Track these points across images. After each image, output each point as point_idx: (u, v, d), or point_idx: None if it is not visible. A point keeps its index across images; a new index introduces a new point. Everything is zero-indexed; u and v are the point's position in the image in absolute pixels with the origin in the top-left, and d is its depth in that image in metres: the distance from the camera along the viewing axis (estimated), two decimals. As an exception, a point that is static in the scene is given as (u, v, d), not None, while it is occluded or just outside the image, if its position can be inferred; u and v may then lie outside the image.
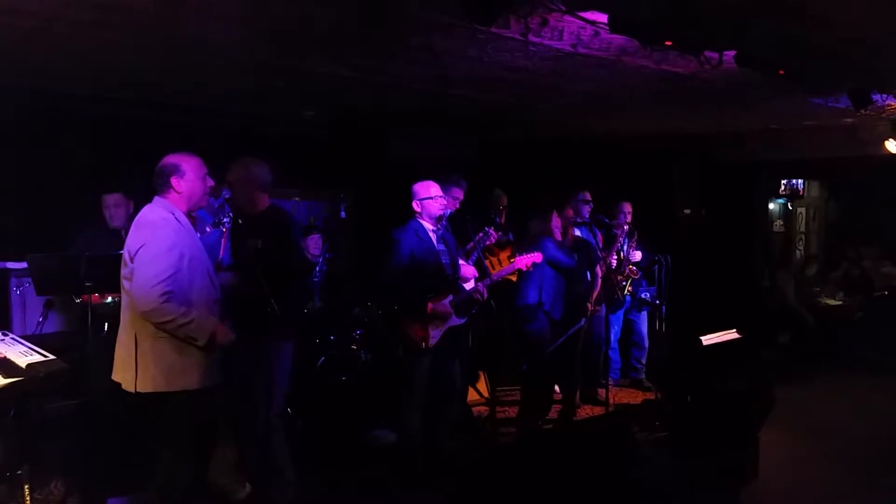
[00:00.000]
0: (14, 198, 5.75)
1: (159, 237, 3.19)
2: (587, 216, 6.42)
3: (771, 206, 10.58)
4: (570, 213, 5.95)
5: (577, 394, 6.23)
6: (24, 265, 4.91)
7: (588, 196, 6.55)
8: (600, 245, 6.51)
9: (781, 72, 4.29)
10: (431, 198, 4.53)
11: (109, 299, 4.75)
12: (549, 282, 5.41)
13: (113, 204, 5.12)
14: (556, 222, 5.55)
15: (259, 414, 3.93)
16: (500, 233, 5.84)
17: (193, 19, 3.83)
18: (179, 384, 3.22)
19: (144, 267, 3.14)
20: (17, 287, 5.35)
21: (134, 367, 3.22)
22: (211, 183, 3.50)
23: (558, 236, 5.58)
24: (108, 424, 4.44)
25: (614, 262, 6.53)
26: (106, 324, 4.73)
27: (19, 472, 3.50)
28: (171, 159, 3.38)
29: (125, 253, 3.28)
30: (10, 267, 5.32)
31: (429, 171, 4.76)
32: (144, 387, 3.21)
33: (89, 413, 4.59)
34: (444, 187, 4.96)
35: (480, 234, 5.17)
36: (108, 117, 6.16)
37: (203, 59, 4.68)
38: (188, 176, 3.37)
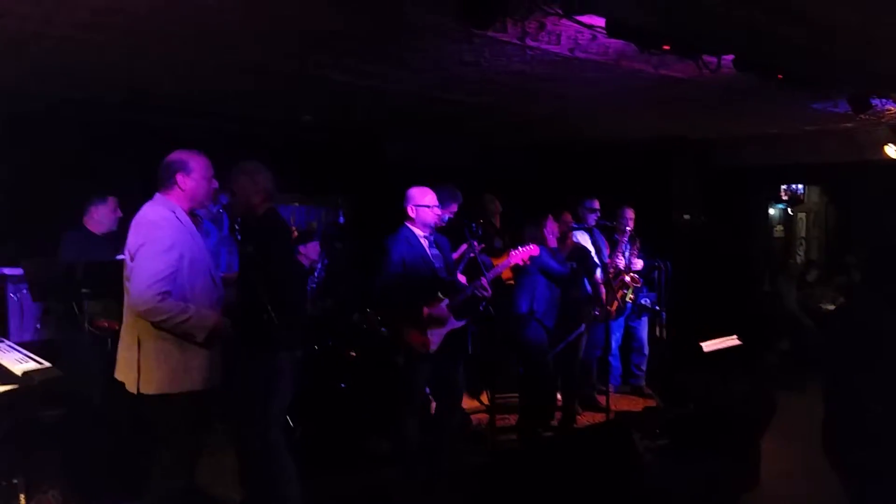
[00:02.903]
0: (10, 203, 5.74)
1: (159, 237, 3.14)
2: (592, 223, 6.38)
3: (771, 211, 10.56)
4: (569, 217, 5.91)
5: (576, 400, 6.21)
6: (20, 271, 4.88)
7: (596, 204, 6.48)
8: (607, 251, 6.49)
9: (780, 76, 4.27)
10: (427, 206, 4.48)
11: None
12: (540, 290, 5.39)
13: (111, 209, 5.08)
14: (550, 228, 5.51)
15: (257, 425, 3.89)
16: (483, 244, 5.74)
17: (191, 23, 3.82)
18: (183, 385, 3.18)
19: (142, 267, 3.09)
20: (15, 293, 5.33)
21: (136, 368, 3.17)
22: (216, 185, 3.43)
23: (553, 243, 5.53)
24: (104, 431, 4.42)
25: (622, 264, 6.49)
26: (109, 339, 4.71)
27: (15, 480, 3.47)
28: (178, 155, 3.31)
29: (126, 253, 3.23)
30: (6, 273, 5.30)
31: (428, 176, 4.74)
32: (148, 388, 3.16)
33: (86, 420, 4.56)
34: (441, 201, 4.89)
35: (464, 247, 5.10)
36: (103, 120, 6.14)
37: (199, 62, 4.67)
38: (195, 174, 3.30)
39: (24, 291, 5.09)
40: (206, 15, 3.70)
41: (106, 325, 4.70)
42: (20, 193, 5.78)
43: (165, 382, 3.17)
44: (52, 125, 5.93)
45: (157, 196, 3.31)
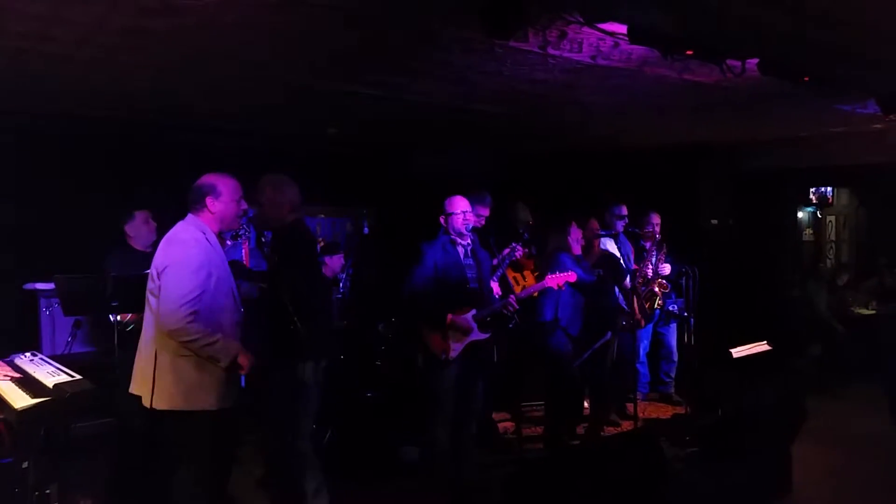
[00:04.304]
0: (42, 219, 5.85)
1: (189, 256, 3.20)
2: (621, 229, 6.34)
3: (800, 214, 10.42)
4: (595, 224, 5.87)
5: (613, 411, 6.18)
6: (52, 286, 4.96)
7: (624, 211, 6.43)
8: (633, 258, 6.43)
9: (806, 78, 4.23)
10: (454, 213, 4.53)
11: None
12: (565, 298, 5.35)
13: (141, 222, 5.13)
14: (575, 235, 5.47)
15: (285, 435, 3.91)
16: (527, 249, 5.77)
17: (217, 41, 3.88)
18: (198, 403, 3.21)
19: (172, 286, 3.15)
20: (47, 307, 5.42)
21: (151, 383, 3.22)
22: (244, 206, 3.49)
23: (577, 250, 5.50)
24: (136, 443, 4.47)
25: (650, 273, 6.43)
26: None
27: (48, 491, 3.52)
28: (209, 179, 3.38)
29: (153, 269, 3.29)
30: (38, 288, 5.39)
31: (452, 186, 4.76)
32: (160, 404, 3.21)
33: (118, 432, 4.62)
34: (471, 204, 4.92)
35: (507, 250, 5.14)
36: (134, 139, 6.25)
37: (227, 79, 4.73)
38: (224, 198, 3.37)
39: (56, 306, 5.17)
40: (234, 34, 3.75)
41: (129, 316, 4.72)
42: (51, 210, 5.89)
43: (179, 399, 3.21)
44: (83, 144, 6.04)
45: (189, 217, 3.38)
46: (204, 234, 3.32)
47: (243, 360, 3.28)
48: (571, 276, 4.89)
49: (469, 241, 4.62)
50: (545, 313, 5.40)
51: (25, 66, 4.27)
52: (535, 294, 5.16)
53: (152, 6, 3.29)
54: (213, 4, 3.29)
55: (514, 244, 5.33)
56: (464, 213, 4.55)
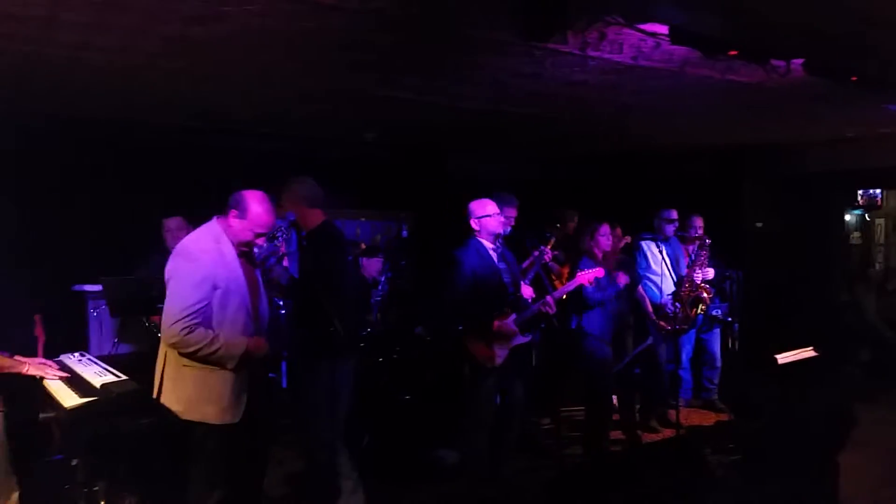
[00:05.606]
0: (90, 222, 5.99)
1: (192, 269, 3.15)
2: (671, 234, 6.26)
3: (847, 217, 10.18)
4: (619, 233, 5.79)
5: (652, 418, 6.10)
6: (99, 288, 5.08)
7: (674, 215, 6.29)
8: (683, 262, 6.34)
9: (854, 78, 4.13)
10: (489, 215, 4.50)
11: None
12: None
13: (175, 227, 5.17)
14: (602, 242, 5.37)
15: (321, 434, 3.94)
16: (556, 251, 5.70)
17: (254, 48, 3.93)
18: (198, 415, 3.22)
19: (171, 299, 3.13)
20: (94, 309, 5.55)
21: (159, 384, 3.28)
22: (261, 241, 3.43)
23: (610, 247, 5.42)
24: (179, 442, 4.55)
25: (699, 278, 6.32)
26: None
27: (96, 488, 3.60)
28: (248, 196, 3.30)
29: (165, 275, 3.27)
30: (87, 290, 5.52)
31: (489, 189, 4.76)
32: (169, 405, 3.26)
33: (163, 431, 4.70)
34: (498, 206, 4.92)
35: (536, 253, 5.11)
36: (175, 144, 6.36)
37: (265, 85, 4.80)
38: (245, 223, 3.28)
39: (103, 307, 5.29)
40: (272, 40, 3.80)
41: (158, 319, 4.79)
42: (99, 213, 6.03)
43: (181, 408, 3.23)
44: (128, 148, 6.18)
45: (213, 220, 3.35)
46: (218, 243, 3.26)
47: (254, 349, 3.25)
48: (600, 272, 4.84)
49: (499, 244, 4.59)
50: (571, 323, 5.35)
51: (71, 73, 4.38)
52: (565, 296, 5.09)
53: (197, 13, 3.34)
54: (256, 13, 3.34)
55: (541, 247, 5.27)
56: (497, 214, 4.52)
